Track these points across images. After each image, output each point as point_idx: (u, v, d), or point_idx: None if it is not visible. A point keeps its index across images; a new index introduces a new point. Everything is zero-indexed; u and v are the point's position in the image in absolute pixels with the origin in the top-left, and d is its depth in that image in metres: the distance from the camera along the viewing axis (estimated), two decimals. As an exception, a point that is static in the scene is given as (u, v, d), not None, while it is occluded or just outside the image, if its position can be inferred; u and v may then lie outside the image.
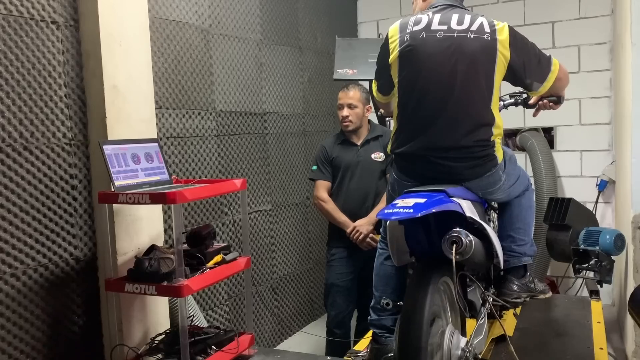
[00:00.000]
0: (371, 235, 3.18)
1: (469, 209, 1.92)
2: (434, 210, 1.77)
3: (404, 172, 2.16)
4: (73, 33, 2.37)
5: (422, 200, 1.80)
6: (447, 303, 2.02)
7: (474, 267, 2.02)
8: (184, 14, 3.00)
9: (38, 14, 2.24)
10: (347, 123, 3.26)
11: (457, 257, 1.78)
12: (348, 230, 3.20)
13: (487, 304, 2.19)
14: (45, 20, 2.27)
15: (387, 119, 3.25)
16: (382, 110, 2.61)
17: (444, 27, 2.05)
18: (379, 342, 2.23)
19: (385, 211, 1.82)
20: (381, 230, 2.33)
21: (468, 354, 1.89)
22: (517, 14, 4.27)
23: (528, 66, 2.09)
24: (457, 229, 1.82)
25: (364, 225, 3.18)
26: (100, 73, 2.32)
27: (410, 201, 1.80)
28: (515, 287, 2.23)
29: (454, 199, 1.90)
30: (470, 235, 1.82)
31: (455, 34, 2.03)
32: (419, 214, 1.73)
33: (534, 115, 2.43)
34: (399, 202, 1.82)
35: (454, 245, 1.79)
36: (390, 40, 2.15)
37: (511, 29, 2.06)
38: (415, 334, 1.71)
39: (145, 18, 2.53)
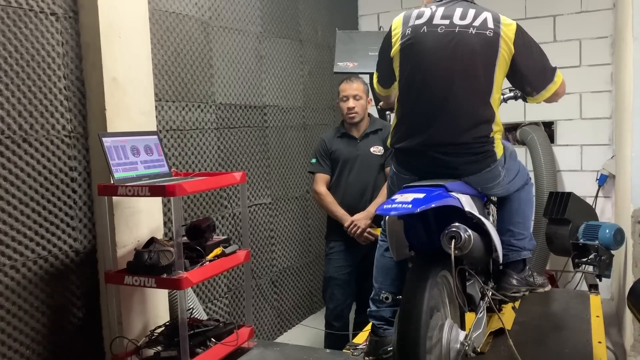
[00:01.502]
0: (369, 229, 3.18)
1: (467, 204, 1.92)
2: (432, 206, 1.77)
3: (403, 166, 2.16)
4: (72, 25, 2.36)
5: (420, 196, 1.80)
6: (446, 297, 2.02)
7: (473, 261, 2.02)
8: (183, 6, 2.99)
9: (37, 5, 2.23)
10: (353, 114, 3.25)
11: (456, 252, 1.79)
12: (346, 225, 3.20)
13: (486, 297, 2.19)
14: (44, 12, 2.26)
15: (387, 112, 3.24)
16: (382, 103, 2.60)
17: (446, 22, 2.03)
18: (377, 334, 2.23)
19: (384, 206, 1.82)
20: (382, 223, 2.34)
21: (467, 348, 1.90)
22: (518, 8, 4.25)
23: (529, 70, 2.07)
24: (456, 224, 1.81)
25: (361, 219, 3.18)
26: (100, 65, 2.32)
27: (409, 196, 1.80)
28: (514, 281, 2.24)
29: (452, 193, 1.90)
30: (469, 230, 1.82)
31: (457, 29, 2.01)
32: (417, 210, 1.73)
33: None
34: (398, 198, 1.82)
35: (453, 240, 1.79)
36: (392, 33, 2.14)
37: (519, 28, 2.03)
38: (414, 328, 1.71)
39: (144, 10, 2.52)
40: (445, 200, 1.83)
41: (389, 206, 1.79)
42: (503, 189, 2.20)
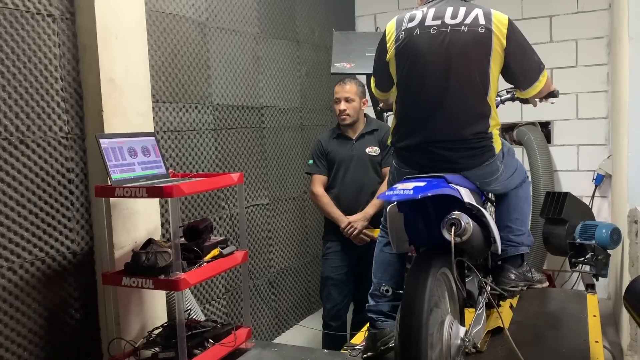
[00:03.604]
0: (365, 231, 3.19)
1: (467, 195, 1.95)
2: (432, 194, 1.80)
3: (403, 161, 2.19)
4: (69, 26, 2.36)
5: (421, 184, 1.84)
6: (446, 293, 2.05)
7: (472, 252, 2.04)
8: (180, 7, 2.99)
9: (34, 7, 2.23)
10: (344, 117, 3.27)
11: (456, 239, 1.80)
12: (342, 226, 3.21)
13: (485, 292, 2.20)
14: (40, 13, 2.26)
15: (386, 114, 3.25)
16: (382, 105, 2.61)
17: (438, 22, 2.06)
18: (375, 326, 2.25)
19: (386, 193, 1.86)
20: (382, 218, 2.35)
21: (467, 343, 1.91)
22: (514, 8, 4.27)
23: (519, 65, 2.09)
24: (457, 212, 1.84)
25: (358, 221, 3.18)
26: (97, 66, 2.32)
27: (410, 185, 1.85)
28: (512, 276, 2.25)
29: (452, 185, 1.92)
30: (469, 219, 1.84)
31: (449, 29, 2.03)
32: (419, 196, 1.77)
33: (534, 105, 2.43)
34: (399, 186, 1.86)
35: (453, 228, 1.81)
36: (387, 38, 2.17)
37: (511, 23, 2.06)
38: (415, 325, 1.73)
39: (141, 11, 2.52)
40: (445, 189, 1.87)
41: (391, 193, 1.84)
42: (501, 185, 2.23)
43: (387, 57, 2.16)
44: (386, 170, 3.06)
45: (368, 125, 3.34)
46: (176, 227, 2.11)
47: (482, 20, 2.02)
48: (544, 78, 2.15)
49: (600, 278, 3.19)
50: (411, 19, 2.11)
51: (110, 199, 2.26)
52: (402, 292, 1.91)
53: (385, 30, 2.19)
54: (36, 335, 2.22)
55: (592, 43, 4.12)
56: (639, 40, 2.92)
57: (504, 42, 2.02)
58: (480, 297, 2.24)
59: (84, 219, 2.41)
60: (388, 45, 2.15)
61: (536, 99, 2.31)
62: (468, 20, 2.03)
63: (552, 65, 4.16)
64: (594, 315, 2.75)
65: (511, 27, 2.05)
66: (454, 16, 2.04)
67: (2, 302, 2.11)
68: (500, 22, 2.03)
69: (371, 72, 2.40)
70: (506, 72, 2.12)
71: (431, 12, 2.08)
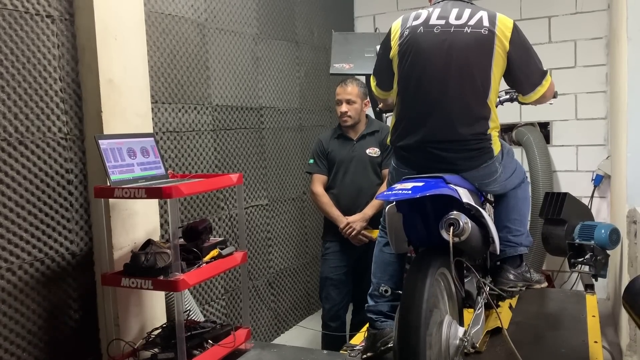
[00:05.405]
0: (363, 231, 3.19)
1: (465, 196, 1.95)
2: (430, 193, 1.80)
3: (402, 161, 2.19)
4: (68, 27, 2.36)
5: (420, 184, 1.85)
6: (444, 294, 2.05)
7: (470, 252, 2.04)
8: (179, 7, 2.99)
9: (32, 8, 2.23)
10: (345, 118, 3.27)
11: (455, 239, 1.80)
12: (341, 227, 3.21)
13: (484, 292, 2.20)
14: (39, 14, 2.26)
15: (385, 114, 3.25)
16: (381, 105, 2.61)
17: (442, 22, 2.06)
18: (375, 326, 2.25)
19: (385, 193, 1.88)
20: (381, 218, 2.36)
21: (466, 343, 1.91)
22: (513, 9, 4.27)
23: (521, 69, 2.09)
24: (455, 211, 1.84)
25: (357, 221, 3.19)
26: (96, 67, 2.32)
27: (409, 185, 1.86)
28: (511, 277, 2.26)
29: (451, 185, 1.93)
30: (468, 219, 1.84)
31: (452, 29, 2.04)
32: (417, 195, 1.78)
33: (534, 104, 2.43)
34: (398, 186, 1.87)
35: (452, 227, 1.81)
36: (391, 36, 2.19)
37: (516, 27, 2.06)
38: (414, 325, 1.73)
39: (140, 12, 2.52)
40: (443, 189, 1.87)
41: (389, 193, 1.85)
42: (500, 185, 2.23)
43: (391, 54, 2.17)
44: (386, 171, 3.06)
45: (369, 126, 3.33)
46: (175, 228, 2.12)
47: (485, 23, 2.03)
48: (547, 82, 2.15)
49: (599, 278, 3.19)
50: (416, 18, 2.12)
51: (110, 199, 2.26)
52: (401, 292, 1.92)
53: (390, 29, 2.20)
54: (35, 337, 2.21)
55: (590, 43, 4.13)
56: (637, 40, 2.93)
57: (507, 45, 2.03)
58: (479, 298, 2.25)
59: (83, 219, 2.41)
60: (392, 42, 2.16)
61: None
62: (472, 22, 2.04)
63: (550, 66, 4.14)
64: (593, 316, 2.75)
65: (516, 31, 2.05)
66: (458, 17, 2.06)
67: (1, 302, 2.10)
68: (504, 25, 2.04)
69: (370, 72, 2.40)
70: (509, 76, 2.12)
71: (436, 11, 2.10)
